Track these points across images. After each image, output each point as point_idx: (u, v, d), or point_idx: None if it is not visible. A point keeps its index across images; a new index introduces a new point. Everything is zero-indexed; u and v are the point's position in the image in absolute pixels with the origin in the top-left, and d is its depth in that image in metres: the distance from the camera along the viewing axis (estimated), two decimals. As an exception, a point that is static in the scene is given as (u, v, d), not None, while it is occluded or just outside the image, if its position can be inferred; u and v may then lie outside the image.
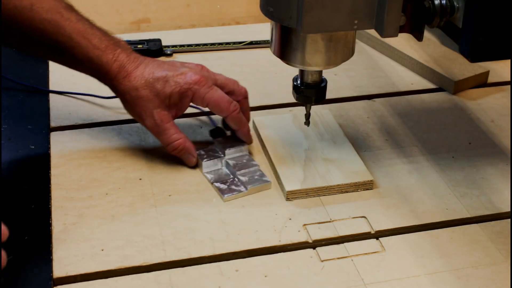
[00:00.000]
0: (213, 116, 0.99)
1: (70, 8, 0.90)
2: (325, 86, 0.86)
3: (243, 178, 0.87)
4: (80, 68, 0.90)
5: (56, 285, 0.74)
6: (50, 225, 0.80)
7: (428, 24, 0.78)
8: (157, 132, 0.88)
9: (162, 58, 1.15)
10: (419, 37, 0.78)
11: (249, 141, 0.92)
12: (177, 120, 0.96)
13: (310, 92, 0.86)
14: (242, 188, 0.86)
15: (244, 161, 0.90)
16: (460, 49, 0.75)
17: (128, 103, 0.89)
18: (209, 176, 0.88)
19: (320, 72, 0.85)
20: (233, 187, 0.86)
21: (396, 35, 0.75)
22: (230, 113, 0.89)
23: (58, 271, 0.75)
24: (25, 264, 0.75)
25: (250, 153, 0.92)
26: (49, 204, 0.83)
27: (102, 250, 0.77)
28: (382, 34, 0.74)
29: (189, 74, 0.88)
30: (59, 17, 0.87)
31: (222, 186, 0.87)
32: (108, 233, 0.80)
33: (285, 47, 0.80)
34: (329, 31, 0.76)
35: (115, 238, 0.79)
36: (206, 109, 0.99)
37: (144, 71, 0.87)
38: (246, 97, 0.93)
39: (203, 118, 1.00)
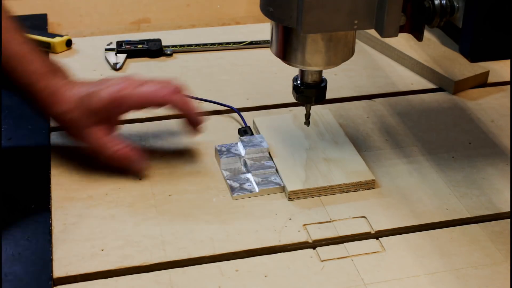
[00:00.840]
0: (250, 113, 1.00)
1: (18, 29, 0.86)
2: (325, 86, 0.86)
3: (256, 179, 0.87)
4: (17, 92, 0.87)
5: (56, 285, 0.74)
6: (50, 225, 0.81)
7: (428, 24, 0.78)
8: (98, 149, 0.86)
9: (162, 58, 1.16)
10: (419, 37, 0.78)
11: (199, 122, 0.88)
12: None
13: (310, 92, 0.86)
14: (253, 188, 0.86)
15: (262, 162, 0.89)
16: (460, 49, 0.75)
17: (64, 127, 0.87)
18: (225, 173, 0.89)
19: (320, 72, 0.85)
20: (245, 186, 0.86)
21: (396, 35, 0.75)
22: (171, 95, 0.85)
23: (58, 271, 0.75)
24: (25, 264, 0.75)
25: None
26: (49, 204, 0.84)
27: (102, 250, 0.77)
28: (382, 34, 0.74)
29: (114, 86, 0.85)
30: (4, 37, 0.84)
31: (234, 184, 0.87)
32: (108, 233, 0.80)
33: (285, 47, 0.80)
34: (329, 31, 0.76)
35: (115, 238, 0.79)
36: (237, 107, 1.01)
37: (72, 93, 0.85)
38: (178, 91, 0.87)
39: (235, 115, 1.01)
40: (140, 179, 0.87)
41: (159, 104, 0.86)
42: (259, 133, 0.95)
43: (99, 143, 0.85)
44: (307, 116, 0.90)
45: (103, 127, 0.86)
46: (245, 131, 0.96)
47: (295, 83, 0.86)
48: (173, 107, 0.86)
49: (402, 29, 0.76)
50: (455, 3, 0.76)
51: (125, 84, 0.85)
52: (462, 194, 0.87)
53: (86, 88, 0.85)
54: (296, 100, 0.87)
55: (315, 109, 0.99)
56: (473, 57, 0.75)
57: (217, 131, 0.97)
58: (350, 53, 0.82)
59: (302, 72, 0.85)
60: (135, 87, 0.85)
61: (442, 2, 0.76)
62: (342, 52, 0.81)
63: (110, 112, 0.85)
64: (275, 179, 0.87)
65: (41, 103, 0.85)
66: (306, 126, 0.91)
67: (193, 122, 0.88)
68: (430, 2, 0.77)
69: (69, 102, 0.84)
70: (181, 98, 0.86)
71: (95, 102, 0.84)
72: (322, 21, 0.73)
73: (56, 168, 0.89)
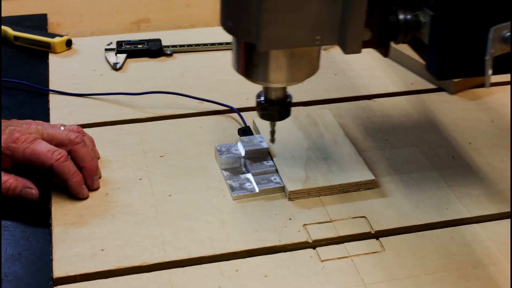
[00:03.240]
0: (249, 113, 0.99)
1: None
2: (290, 102, 0.83)
3: (256, 179, 0.87)
4: None
5: (56, 285, 0.74)
6: (50, 225, 0.81)
7: (393, 40, 0.74)
8: None
9: (162, 58, 1.16)
10: (385, 53, 0.75)
11: (81, 194, 0.84)
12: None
13: (274, 109, 0.82)
14: (253, 188, 0.86)
15: (263, 162, 0.89)
16: (426, 66, 0.71)
17: None
18: (225, 173, 0.89)
19: (284, 89, 0.82)
20: (245, 186, 0.86)
21: (360, 51, 0.71)
22: (54, 162, 0.82)
23: (58, 271, 0.75)
24: (25, 264, 0.75)
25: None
26: (49, 204, 0.83)
27: (102, 250, 0.77)
28: (345, 50, 0.71)
29: (11, 133, 0.83)
30: None
31: (234, 184, 0.87)
32: (108, 233, 0.80)
33: (247, 63, 0.77)
34: (290, 47, 0.72)
35: (115, 238, 0.79)
36: (237, 107, 1.01)
37: None
38: (78, 143, 0.86)
39: (235, 115, 1.01)
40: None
41: (44, 165, 0.83)
42: (259, 133, 0.95)
43: None
44: (272, 133, 0.87)
45: None
46: (245, 131, 0.96)
47: (258, 100, 0.83)
48: (55, 172, 0.83)
49: (367, 44, 0.73)
50: (421, 18, 0.72)
51: (19, 135, 0.83)
52: (462, 194, 0.87)
53: None
54: (260, 117, 0.84)
55: (315, 109, 0.99)
56: (439, 75, 0.70)
57: (217, 131, 0.97)
58: (315, 68, 0.79)
59: (265, 88, 0.82)
60: (29, 141, 0.83)
61: (407, 17, 0.72)
62: (306, 68, 0.77)
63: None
64: (275, 179, 0.87)
65: None
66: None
67: (75, 191, 0.84)
68: (394, 17, 0.73)
69: None
70: (65, 167, 0.83)
71: None
72: (282, 37, 0.70)
73: (56, 168, 0.89)
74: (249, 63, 0.76)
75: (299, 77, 0.77)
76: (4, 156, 0.83)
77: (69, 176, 0.84)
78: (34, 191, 0.83)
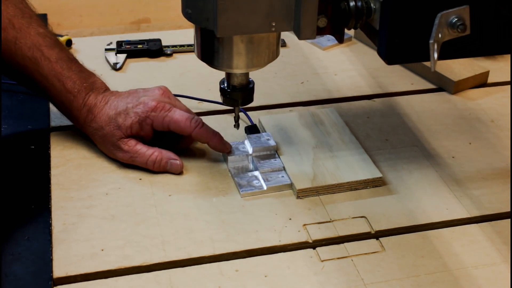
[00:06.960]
0: (249, 113, 0.99)
1: (54, 45, 0.90)
2: (252, 88, 0.85)
3: (264, 177, 0.87)
4: (56, 106, 0.92)
5: (56, 285, 0.74)
6: (50, 225, 0.81)
7: (345, 26, 0.76)
8: (131, 158, 0.88)
9: (162, 58, 1.16)
10: (340, 39, 0.77)
11: (226, 149, 0.90)
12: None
13: (236, 94, 0.85)
14: (261, 186, 0.86)
15: (270, 160, 0.90)
16: (378, 51, 0.73)
17: (97, 142, 0.91)
18: (233, 170, 0.89)
19: (246, 74, 0.84)
20: (253, 183, 0.86)
21: (314, 37, 0.74)
22: (193, 129, 0.88)
23: (58, 271, 0.75)
24: (25, 264, 0.75)
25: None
26: (49, 204, 0.84)
27: (102, 250, 0.77)
28: (300, 36, 0.73)
29: (147, 103, 0.88)
30: (40, 55, 0.88)
31: (242, 181, 0.87)
32: (108, 233, 0.80)
33: (207, 50, 0.79)
34: (246, 33, 0.75)
35: (115, 238, 0.79)
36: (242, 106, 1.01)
37: (108, 109, 0.89)
38: (201, 125, 0.90)
39: (241, 114, 1.00)
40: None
41: (184, 132, 0.89)
42: (265, 131, 0.95)
43: (132, 152, 0.88)
44: (236, 118, 0.89)
45: (133, 138, 0.88)
46: (251, 128, 0.96)
47: (221, 86, 0.85)
48: (196, 138, 0.90)
49: (323, 31, 0.75)
50: (372, 5, 0.74)
51: (156, 103, 0.88)
52: (462, 194, 0.87)
53: (122, 104, 0.89)
54: (223, 103, 0.87)
55: (320, 108, 0.99)
56: (390, 60, 0.72)
57: (217, 131, 0.97)
58: (275, 54, 0.81)
59: (227, 74, 0.84)
60: (166, 109, 0.88)
61: (358, 3, 0.74)
62: (265, 54, 0.80)
63: (141, 129, 0.88)
64: (282, 176, 0.87)
65: (80, 120, 0.90)
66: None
67: (219, 150, 0.91)
68: (345, 3, 0.74)
69: (104, 118, 0.88)
70: (205, 132, 0.89)
71: (128, 119, 0.88)
72: (237, 23, 0.72)
73: (56, 168, 0.89)
74: (210, 50, 0.79)
75: (258, 63, 0.80)
76: (146, 125, 0.87)
77: (209, 139, 0.89)
78: (178, 162, 0.88)
